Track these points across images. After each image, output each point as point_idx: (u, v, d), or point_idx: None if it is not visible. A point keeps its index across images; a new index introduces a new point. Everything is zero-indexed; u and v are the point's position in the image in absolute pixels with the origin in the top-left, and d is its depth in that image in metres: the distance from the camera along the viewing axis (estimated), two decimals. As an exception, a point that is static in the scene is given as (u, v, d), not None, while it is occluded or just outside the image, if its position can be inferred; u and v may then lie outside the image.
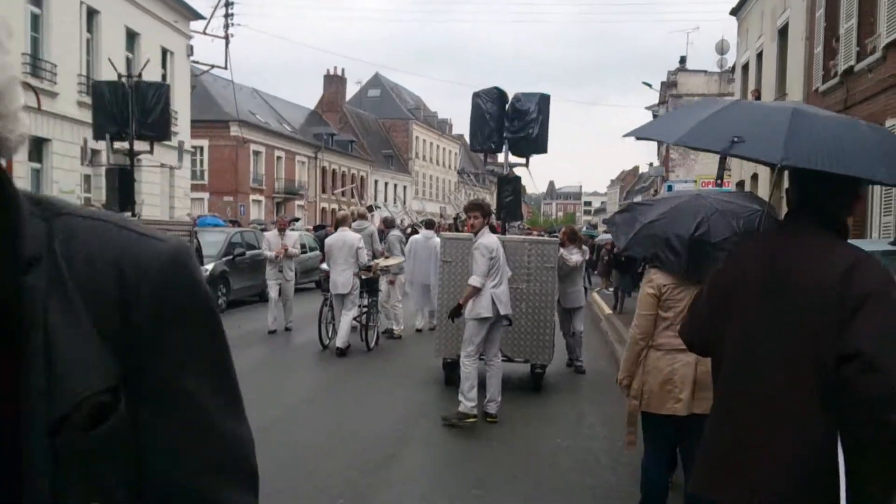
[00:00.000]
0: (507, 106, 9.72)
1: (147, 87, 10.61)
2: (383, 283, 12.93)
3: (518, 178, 10.43)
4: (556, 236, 12.38)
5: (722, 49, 38.13)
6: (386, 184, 66.55)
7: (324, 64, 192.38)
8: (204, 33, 28.52)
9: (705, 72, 41.14)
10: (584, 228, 53.87)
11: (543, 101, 9.78)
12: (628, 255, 13.72)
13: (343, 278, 11.02)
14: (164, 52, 27.21)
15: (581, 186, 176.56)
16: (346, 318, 11.08)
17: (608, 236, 29.36)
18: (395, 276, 13.36)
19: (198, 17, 29.09)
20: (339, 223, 11.63)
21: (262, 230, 18.93)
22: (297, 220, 29.00)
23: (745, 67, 23.63)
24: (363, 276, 11.41)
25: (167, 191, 27.17)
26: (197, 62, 30.64)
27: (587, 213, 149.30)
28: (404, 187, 68.45)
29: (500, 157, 10.27)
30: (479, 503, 5.47)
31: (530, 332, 8.58)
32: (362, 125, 67.19)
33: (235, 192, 42.96)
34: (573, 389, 9.46)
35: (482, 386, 7.37)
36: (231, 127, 42.84)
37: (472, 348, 7.16)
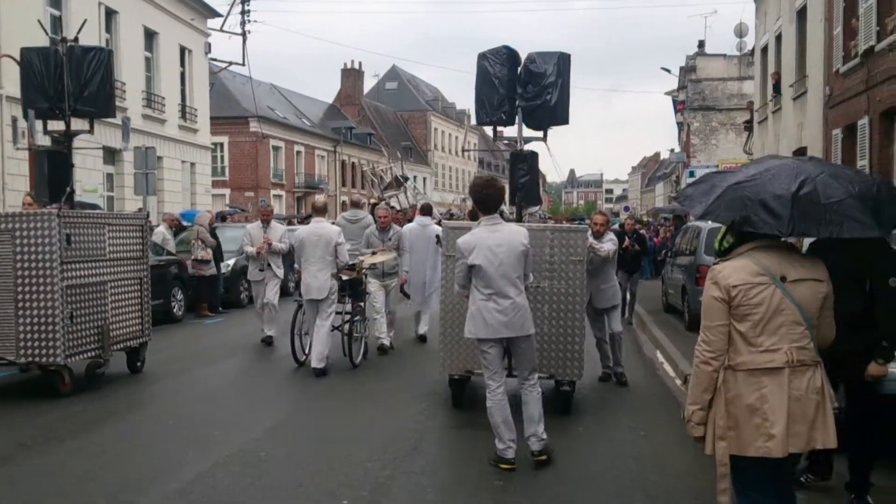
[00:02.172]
0: (519, 69, 8.09)
1: (83, 53, 8.77)
2: (374, 286, 10.34)
3: (534, 155, 8.48)
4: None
5: (741, 32, 37.77)
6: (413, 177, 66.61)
7: (341, 58, 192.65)
8: (221, 31, 28.67)
9: (724, 56, 40.75)
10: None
11: (563, 60, 8.02)
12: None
13: (318, 281, 8.94)
14: (183, 49, 27.43)
15: (602, 174, 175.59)
16: (323, 330, 8.96)
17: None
18: (387, 280, 10.61)
19: (215, 14, 29.27)
20: (315, 212, 9.48)
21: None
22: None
23: (765, 50, 23.36)
24: (344, 277, 9.26)
25: (188, 187, 27.42)
26: (215, 59, 30.86)
27: (608, 200, 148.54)
28: (424, 179, 68.46)
29: (513, 131, 8.43)
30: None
31: (555, 340, 6.95)
32: (380, 118, 67.29)
33: (256, 188, 43.24)
34: (612, 408, 7.67)
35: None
36: (250, 123, 43.11)
37: (487, 375, 5.60)
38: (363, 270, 9.79)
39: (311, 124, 52.47)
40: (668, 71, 42.91)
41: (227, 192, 43.32)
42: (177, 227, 15.95)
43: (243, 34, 29.16)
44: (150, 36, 25.21)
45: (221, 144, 43.09)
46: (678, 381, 8.88)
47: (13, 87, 20.28)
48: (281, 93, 53.32)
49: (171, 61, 26.68)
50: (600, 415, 7.43)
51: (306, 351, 9.35)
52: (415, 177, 68.00)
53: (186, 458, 5.85)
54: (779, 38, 21.32)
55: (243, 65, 29.03)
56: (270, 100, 49.01)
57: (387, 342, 10.37)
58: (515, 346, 5.55)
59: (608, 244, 8.32)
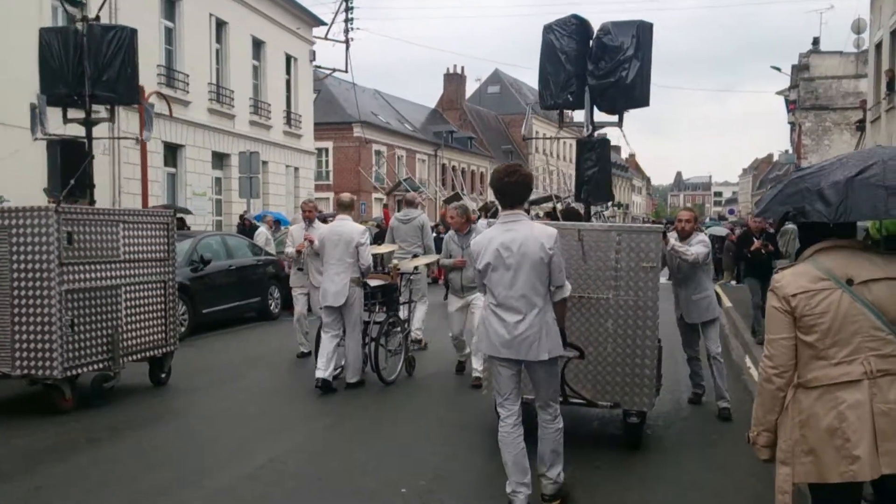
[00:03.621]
0: (591, 42, 6.94)
1: (102, 33, 7.94)
2: (452, 306, 8.69)
3: (605, 142, 7.40)
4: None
5: (858, 28, 35.92)
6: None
7: (444, 63, 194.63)
8: (325, 38, 29.60)
9: (840, 53, 38.90)
10: (708, 220, 52.12)
11: (643, 31, 6.83)
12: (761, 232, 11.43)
13: (335, 286, 7.93)
14: (288, 58, 28.48)
15: (711, 176, 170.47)
16: (352, 346, 8.10)
17: (722, 229, 28.48)
18: (468, 295, 8.62)
19: (320, 23, 30.26)
20: (340, 208, 8.43)
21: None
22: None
23: (879, 46, 22.24)
24: (372, 283, 8.36)
25: (292, 190, 28.42)
26: (319, 67, 31.86)
27: (717, 203, 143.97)
28: (525, 182, 68.43)
29: (581, 116, 7.27)
30: None
31: (620, 363, 5.90)
32: (482, 122, 67.63)
33: (358, 191, 44.29)
34: (692, 444, 6.41)
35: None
36: (354, 128, 44.20)
37: (497, 400, 4.83)
38: (405, 274, 8.91)
39: (412, 129, 53.31)
40: (779, 70, 41.32)
41: (330, 195, 44.63)
42: (275, 228, 16.61)
43: (346, 42, 30.03)
44: (257, 45, 26.32)
45: (326, 149, 44.45)
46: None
47: (204, 117, 21.35)
48: (384, 98, 54.44)
49: (278, 69, 27.75)
50: (673, 447, 6.33)
51: (325, 369, 7.98)
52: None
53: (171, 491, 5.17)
54: (893, 33, 20.27)
55: (346, 71, 29.87)
56: (374, 105, 50.12)
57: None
58: (530, 370, 4.64)
59: (697, 246, 7.06)
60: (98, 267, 7.27)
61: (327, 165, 45.40)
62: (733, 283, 21.51)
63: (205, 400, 8.00)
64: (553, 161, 77.48)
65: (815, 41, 41.30)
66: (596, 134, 7.41)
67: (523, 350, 4.50)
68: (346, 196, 8.67)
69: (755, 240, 11.66)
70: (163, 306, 8.19)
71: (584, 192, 7.23)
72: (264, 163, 25.53)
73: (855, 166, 3.11)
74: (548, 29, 7.06)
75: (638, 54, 6.81)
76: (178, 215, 17.57)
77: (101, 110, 9.02)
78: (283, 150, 27.89)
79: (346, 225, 8.12)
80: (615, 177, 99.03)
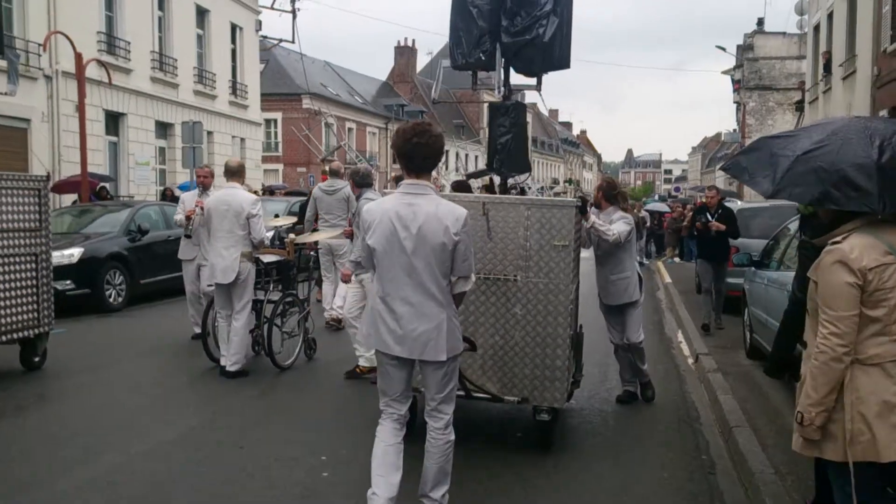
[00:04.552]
0: None
1: None
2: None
3: (520, 107, 6.63)
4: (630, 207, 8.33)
5: (801, 10, 36.55)
6: (457, 154, 66.73)
7: (394, 36, 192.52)
8: (272, 8, 29.09)
9: (783, 34, 39.67)
10: (656, 197, 52.92)
11: None
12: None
13: (224, 261, 7.17)
14: (234, 27, 27.99)
15: (661, 154, 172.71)
16: (237, 327, 7.26)
17: (663, 206, 28.87)
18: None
19: (266, -9, 29.70)
20: (228, 175, 7.52)
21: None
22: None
23: (817, 29, 22.83)
24: (266, 259, 7.69)
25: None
26: (266, 37, 31.37)
27: (667, 181, 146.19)
28: (476, 157, 68.46)
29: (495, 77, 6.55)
30: None
31: (529, 353, 5.24)
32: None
33: (308, 164, 43.93)
34: (612, 443, 5.77)
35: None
36: (303, 99, 43.71)
37: (383, 401, 4.04)
38: (302, 248, 8.23)
39: (363, 101, 52.94)
40: (724, 49, 42.02)
41: (280, 167, 44.24)
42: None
43: (293, 11, 29.49)
44: (201, 13, 25.78)
45: (275, 121, 43.96)
46: (690, 360, 8.95)
47: (147, 85, 20.84)
48: (334, 70, 53.87)
49: (223, 38, 27.25)
50: (590, 447, 5.64)
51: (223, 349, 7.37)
52: (466, 155, 68.11)
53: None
54: (830, 15, 20.83)
55: (293, 42, 29.41)
56: (324, 77, 49.58)
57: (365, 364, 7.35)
58: (424, 371, 3.96)
59: (619, 224, 6.37)
60: None
61: (276, 137, 44.94)
62: (676, 259, 22.02)
63: (80, 386, 7.13)
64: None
65: (760, 21, 42.07)
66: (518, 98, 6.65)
67: (418, 348, 3.83)
68: (233, 162, 7.71)
69: (706, 217, 10.27)
70: (35, 282, 7.32)
71: (496, 161, 6.49)
72: (209, 133, 25.11)
73: (863, 143, 3.11)
74: None
75: (557, 10, 6.24)
76: (101, 184, 17.34)
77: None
78: (228, 120, 27.50)
79: (236, 194, 7.28)
80: (567, 153, 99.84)
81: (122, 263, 11.43)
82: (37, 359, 7.52)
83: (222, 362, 7.35)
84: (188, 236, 8.99)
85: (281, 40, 31.15)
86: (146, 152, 22.30)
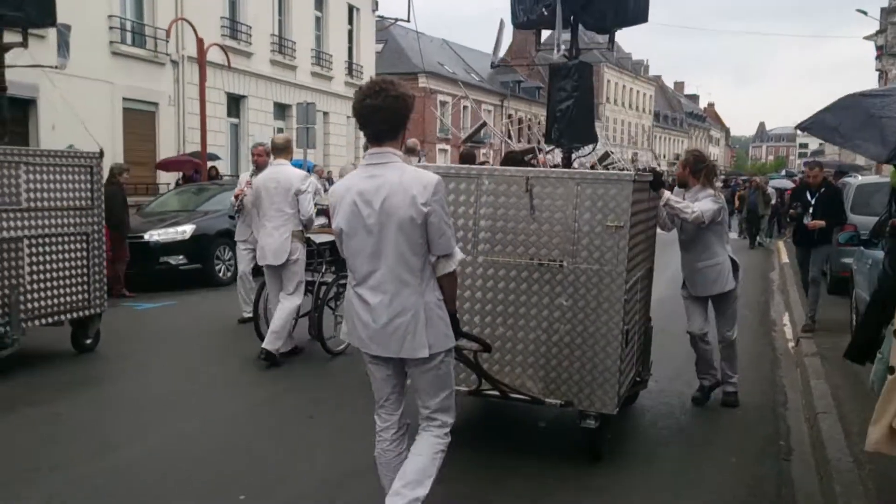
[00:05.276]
0: None
1: None
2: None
3: (585, 67, 5.62)
4: (738, 185, 7.22)
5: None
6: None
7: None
8: (388, -12, 29.49)
9: (933, -5, 36.64)
10: (783, 173, 50.12)
11: None
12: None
13: (274, 241, 6.97)
14: (351, 8, 28.59)
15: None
16: (286, 307, 6.98)
17: (787, 182, 27.20)
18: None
19: (382, -28, 30.12)
20: (276, 152, 7.31)
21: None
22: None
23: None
24: (316, 239, 7.49)
25: (352, 141, 28.79)
26: (382, 17, 31.87)
27: (801, 156, 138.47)
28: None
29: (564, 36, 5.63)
30: None
31: (576, 350, 4.67)
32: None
33: (423, 142, 44.49)
34: (681, 425, 5.61)
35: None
36: (419, 78, 44.21)
37: (375, 408, 3.66)
38: None
39: (479, 79, 52.91)
40: (865, 13, 39.21)
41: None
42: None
43: (409, -10, 29.82)
44: (319, -4, 26.53)
45: (393, 100, 44.78)
46: (791, 344, 8.58)
47: (267, 68, 21.86)
48: (452, 48, 54.10)
49: (340, 19, 27.90)
50: (660, 429, 5.47)
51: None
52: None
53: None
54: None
55: (408, 21, 29.73)
56: (441, 55, 49.91)
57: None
58: (409, 371, 3.51)
59: (704, 202, 5.69)
60: None
61: (394, 116, 45.79)
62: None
63: (131, 368, 7.10)
64: (624, 111, 75.84)
65: (907, -17, 39.01)
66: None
67: (394, 344, 3.36)
68: (280, 138, 7.51)
69: (809, 199, 8.97)
70: (85, 262, 7.18)
71: (554, 131, 5.63)
72: (325, 114, 25.83)
73: None
74: None
75: None
76: (211, 164, 18.10)
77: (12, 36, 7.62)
78: (344, 100, 28.14)
79: (284, 170, 7.05)
80: (692, 127, 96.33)
81: (231, 239, 12.01)
82: (88, 341, 7.39)
83: (281, 348, 6.99)
84: (232, 217, 8.57)
85: (397, 20, 31.52)
86: (265, 133, 23.21)
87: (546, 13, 5.47)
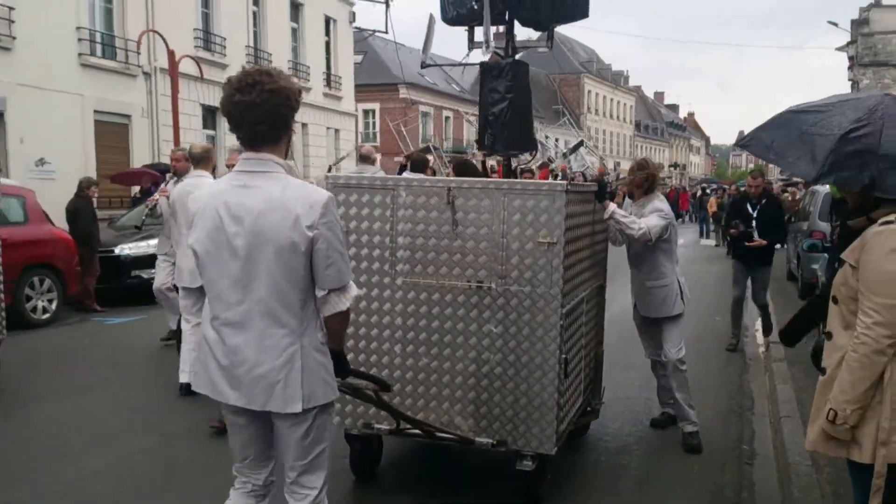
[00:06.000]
0: None
1: None
2: None
3: (520, 66, 5.24)
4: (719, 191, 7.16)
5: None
6: (556, 140, 66.07)
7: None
8: (365, -1, 29.53)
9: (903, 6, 37.18)
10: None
11: None
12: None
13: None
14: (328, 20, 28.60)
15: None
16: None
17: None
18: None
19: (360, -17, 30.25)
20: (194, 162, 6.54)
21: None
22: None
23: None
24: None
25: (332, 152, 28.75)
26: (360, 28, 31.88)
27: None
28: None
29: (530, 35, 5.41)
30: None
31: (508, 382, 4.18)
32: (531, 81, 66.78)
33: (404, 154, 44.60)
34: (642, 433, 5.60)
35: None
36: (400, 89, 44.27)
37: (234, 467, 3.07)
38: None
39: (460, 89, 53.09)
40: (836, 25, 39.74)
41: (378, 157, 45.01)
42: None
43: (386, 2, 29.85)
44: (295, 7, 26.47)
45: (373, 111, 44.77)
46: (761, 350, 8.59)
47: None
48: (432, 59, 54.24)
49: (317, 31, 27.88)
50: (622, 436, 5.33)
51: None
52: (566, 141, 67.28)
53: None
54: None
55: (386, 32, 29.74)
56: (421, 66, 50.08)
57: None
58: (275, 425, 2.85)
59: (652, 217, 5.18)
60: None
61: (374, 127, 45.75)
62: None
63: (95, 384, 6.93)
64: (606, 121, 76.31)
65: (879, -7, 39.56)
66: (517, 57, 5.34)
67: (259, 395, 2.73)
68: (198, 146, 6.74)
69: (749, 210, 8.50)
70: None
71: (488, 137, 5.16)
72: (304, 125, 25.76)
73: None
74: None
75: None
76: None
77: None
78: (322, 112, 28.18)
79: (203, 183, 5.92)
80: (672, 136, 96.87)
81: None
82: None
83: (182, 378, 6.23)
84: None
85: (374, 31, 31.52)
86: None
87: (476, 7, 5.06)
